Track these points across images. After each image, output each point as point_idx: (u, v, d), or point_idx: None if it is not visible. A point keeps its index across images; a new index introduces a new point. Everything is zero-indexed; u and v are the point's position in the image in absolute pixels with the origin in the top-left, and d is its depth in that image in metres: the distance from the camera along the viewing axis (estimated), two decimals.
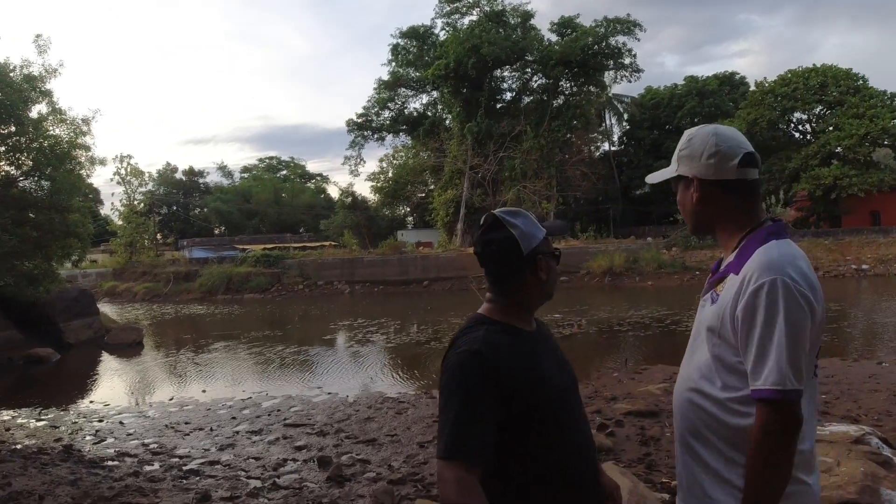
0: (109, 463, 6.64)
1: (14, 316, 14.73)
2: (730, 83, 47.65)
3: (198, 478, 6.10)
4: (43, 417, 8.93)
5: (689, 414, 1.66)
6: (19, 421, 8.75)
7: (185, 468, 6.39)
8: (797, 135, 39.78)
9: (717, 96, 45.70)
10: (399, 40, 43.97)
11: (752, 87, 40.50)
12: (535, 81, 41.32)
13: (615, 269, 28.37)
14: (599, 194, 43.80)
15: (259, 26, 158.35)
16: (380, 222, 49.57)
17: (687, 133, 1.76)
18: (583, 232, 33.28)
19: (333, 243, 44.41)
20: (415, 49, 43.46)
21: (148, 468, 6.43)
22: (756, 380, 1.49)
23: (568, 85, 39.55)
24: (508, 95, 42.74)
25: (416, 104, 46.66)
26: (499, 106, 41.64)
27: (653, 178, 1.90)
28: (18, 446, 7.22)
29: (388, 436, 7.06)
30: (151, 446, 7.30)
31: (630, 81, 47.11)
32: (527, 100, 41.42)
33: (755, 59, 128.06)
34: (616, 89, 45.92)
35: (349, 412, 8.57)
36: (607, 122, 49.14)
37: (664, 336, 14.33)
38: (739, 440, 1.55)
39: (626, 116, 48.43)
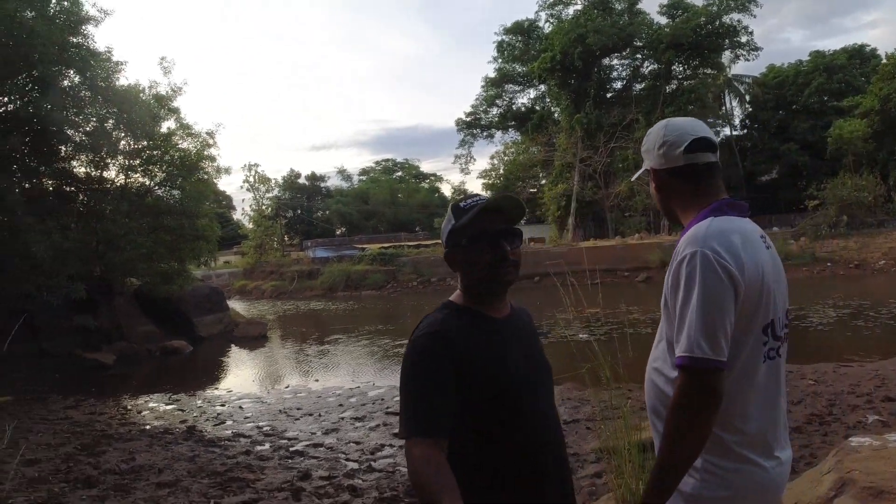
0: (225, 442, 7.18)
1: (153, 312, 16.26)
2: (860, 56, 43.68)
3: (302, 458, 6.49)
4: (172, 402, 9.81)
5: (650, 392, 1.70)
6: (151, 405, 9.66)
7: (291, 449, 6.80)
8: None
9: (846, 71, 41.92)
10: (504, 37, 44.01)
11: (884, 60, 36.74)
12: (646, 67, 39.89)
13: None
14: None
15: (369, 33, 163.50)
16: None
17: (649, 130, 1.82)
18: None
19: None
20: (520, 44, 43.26)
21: (259, 448, 6.91)
22: (676, 348, 1.50)
23: (681, 69, 37.80)
24: (618, 84, 41.60)
25: (524, 99, 46.49)
26: (608, 95, 40.57)
27: (635, 176, 1.99)
28: (148, 427, 8.01)
29: None
30: (264, 429, 7.83)
31: (748, 60, 44.04)
32: (638, 87, 40.04)
33: (887, 29, 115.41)
34: (736, 69, 43.38)
35: None
36: (727, 105, 46.35)
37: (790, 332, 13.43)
38: None
39: (747, 98, 45.40)
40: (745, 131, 46.83)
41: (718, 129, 45.58)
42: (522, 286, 29.98)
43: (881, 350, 10.34)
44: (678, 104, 35.55)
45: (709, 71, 37.86)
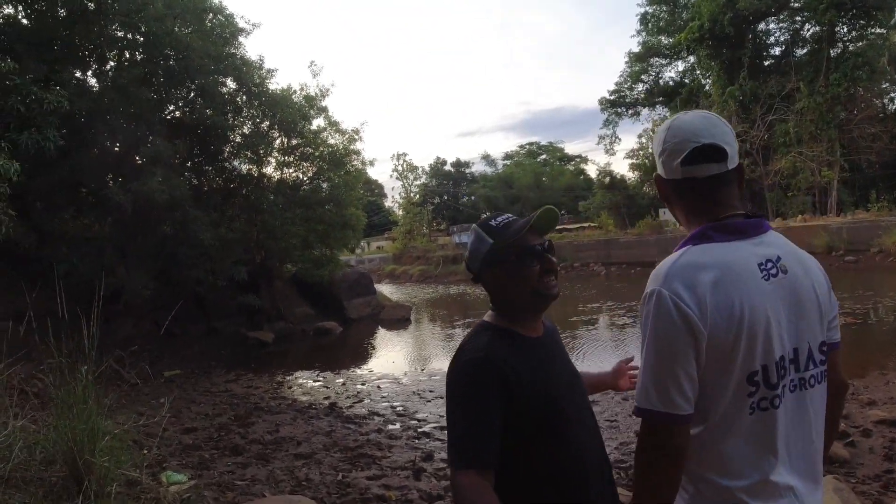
0: (361, 420, 7.68)
1: (307, 295, 17.62)
2: None
3: (428, 439, 6.80)
4: (319, 379, 10.61)
5: None
6: (301, 381, 10.53)
7: (419, 430, 7.15)
8: None
9: None
10: (648, 8, 41.72)
11: None
12: (806, 31, 35.91)
13: None
14: None
15: (514, 16, 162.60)
16: (639, 201, 47.73)
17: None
18: (876, 201, 28.25)
19: (592, 224, 44.16)
20: (665, 14, 40.84)
21: (390, 427, 7.34)
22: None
23: (846, 30, 33.68)
24: (775, 51, 37.81)
25: (671, 73, 43.88)
26: (765, 63, 37.15)
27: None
28: (295, 401, 8.77)
29: (607, 420, 7.03)
30: (398, 409, 8.28)
31: None
32: (798, 53, 36.24)
33: None
34: None
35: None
36: None
37: None
38: None
39: None
40: None
41: (893, 95, 40.01)
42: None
43: None
44: (844, 70, 31.65)
45: (879, 31, 33.36)
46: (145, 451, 4.31)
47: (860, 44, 33.34)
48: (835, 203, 31.56)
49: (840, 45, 33.84)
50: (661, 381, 1.35)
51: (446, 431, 1.54)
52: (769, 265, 1.39)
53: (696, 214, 1.49)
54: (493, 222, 1.67)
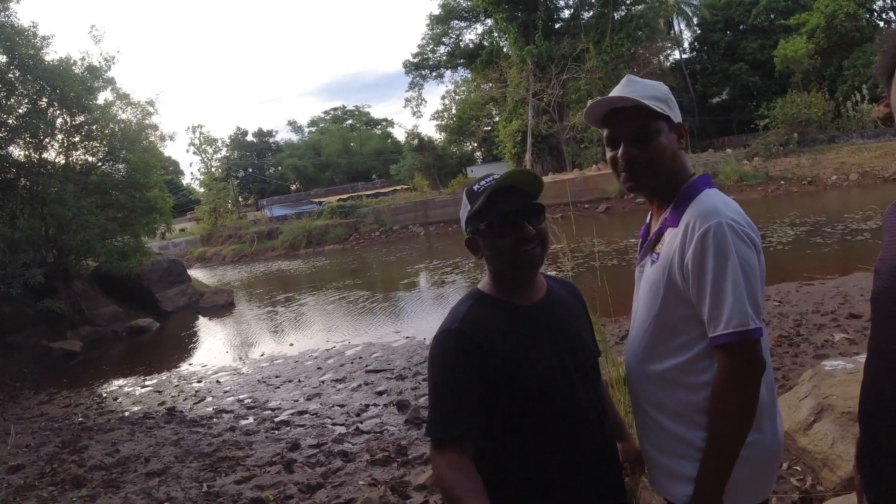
0: (208, 421, 7.14)
1: (114, 291, 15.85)
2: None
3: (288, 428, 6.51)
4: (147, 384, 9.65)
5: (658, 402, 1.60)
6: (126, 389, 9.50)
7: (276, 419, 6.81)
8: (882, 24, 36.10)
9: None
10: None
11: None
12: None
13: None
14: None
15: None
16: (448, 161, 49.37)
17: (634, 77, 1.67)
18: None
19: (405, 187, 44.80)
20: None
21: (243, 422, 6.90)
22: (716, 326, 1.43)
23: None
24: (566, 13, 40.87)
25: (472, 35, 45.63)
26: (557, 26, 39.94)
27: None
28: (127, 413, 7.89)
29: None
30: (246, 401, 7.78)
31: None
32: (586, 16, 39.43)
33: None
34: None
35: (426, 355, 8.78)
36: (676, 28, 46.11)
37: None
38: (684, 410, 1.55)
39: (695, 21, 45.22)
40: (695, 54, 46.77)
41: (669, 53, 45.36)
42: None
43: (841, 266, 10.60)
44: (627, 30, 35.20)
45: None
46: None
47: (640, 7, 36.98)
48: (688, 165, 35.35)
49: (623, 8, 37.30)
50: (754, 297, 1.42)
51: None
52: None
53: (685, 166, 1.64)
54: (476, 186, 1.56)
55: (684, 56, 46.13)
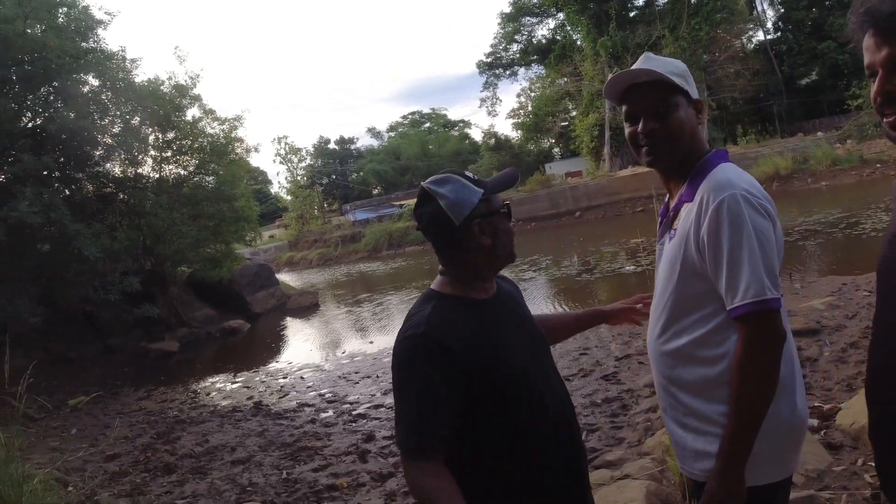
0: (291, 414, 7.47)
1: (207, 295, 16.78)
2: None
3: (364, 420, 6.73)
4: (237, 380, 10.18)
5: (676, 380, 1.61)
6: (218, 385, 10.07)
7: (354, 413, 7.03)
8: None
9: None
10: None
11: None
12: None
13: (781, 172, 25.29)
14: (759, 91, 39.05)
15: None
16: (525, 158, 48.97)
17: (652, 55, 1.69)
18: (744, 136, 30.51)
19: None
20: None
21: (323, 415, 7.19)
22: (733, 297, 1.43)
23: None
24: (640, 1, 39.70)
25: (543, 31, 45.10)
26: (631, 14, 38.87)
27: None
28: (217, 407, 8.39)
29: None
30: (326, 396, 8.10)
31: None
32: (661, 2, 38.17)
33: None
34: None
35: None
36: (758, 7, 43.89)
37: (837, 242, 13.04)
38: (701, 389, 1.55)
39: None
40: (779, 34, 44.31)
41: (751, 34, 43.11)
42: (563, 223, 29.82)
43: None
44: (704, 13, 33.74)
45: None
46: (71, 489, 3.97)
47: None
48: (706, 141, 33.84)
49: None
50: (770, 267, 1.43)
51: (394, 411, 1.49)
52: None
53: (703, 141, 1.66)
54: (468, 173, 1.57)
55: (768, 37, 43.71)
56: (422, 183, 1.59)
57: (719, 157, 1.60)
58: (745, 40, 41.17)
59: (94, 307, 12.50)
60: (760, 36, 43.72)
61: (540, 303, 12.32)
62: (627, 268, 14.05)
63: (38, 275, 11.39)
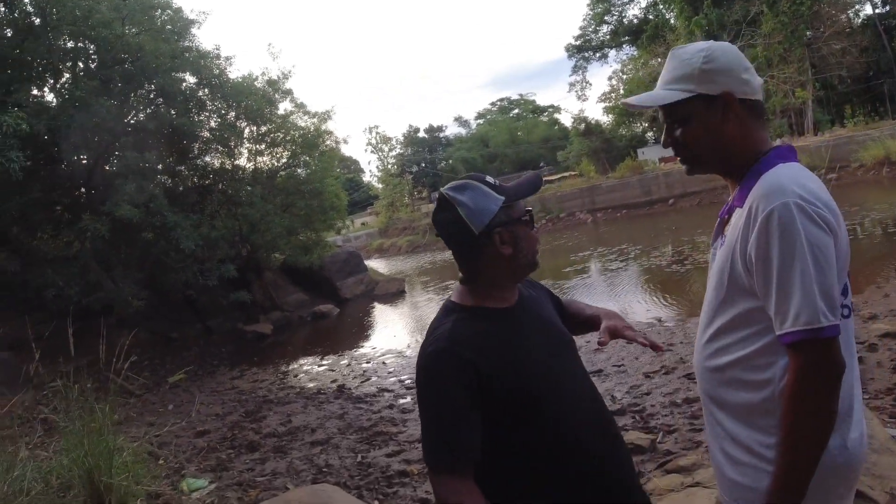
0: (371, 398, 7.68)
1: (299, 281, 17.56)
2: None
3: None
4: (323, 363, 10.59)
5: (722, 401, 1.49)
6: (305, 368, 10.52)
7: None
8: None
9: None
10: None
11: None
12: None
13: (893, 157, 22.93)
14: (868, 69, 35.96)
15: None
16: (617, 144, 47.71)
17: (675, 51, 1.53)
18: (851, 117, 28.27)
19: (573, 173, 44.09)
20: None
21: (401, 401, 7.35)
22: (783, 322, 1.28)
23: None
24: None
25: (635, 10, 43.62)
26: None
27: (656, 101, 1.55)
28: (303, 389, 8.78)
29: (614, 366, 6.98)
30: (406, 382, 8.26)
31: None
32: None
33: None
34: None
35: (579, 343, 8.69)
36: None
37: None
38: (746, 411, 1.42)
39: None
40: (889, 7, 40.49)
41: (858, 8, 39.66)
42: (656, 210, 28.85)
43: None
44: None
45: None
46: (161, 462, 4.30)
47: None
48: (811, 123, 31.60)
49: None
50: (826, 290, 1.26)
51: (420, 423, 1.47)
52: None
53: (759, 141, 1.48)
54: (489, 179, 1.52)
55: (877, 10, 40.00)
56: (440, 189, 1.56)
57: (779, 155, 1.43)
58: (851, 14, 37.86)
59: (193, 292, 13.33)
60: (868, 9, 39.97)
61: (624, 296, 12.03)
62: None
63: (143, 262, 12.32)
